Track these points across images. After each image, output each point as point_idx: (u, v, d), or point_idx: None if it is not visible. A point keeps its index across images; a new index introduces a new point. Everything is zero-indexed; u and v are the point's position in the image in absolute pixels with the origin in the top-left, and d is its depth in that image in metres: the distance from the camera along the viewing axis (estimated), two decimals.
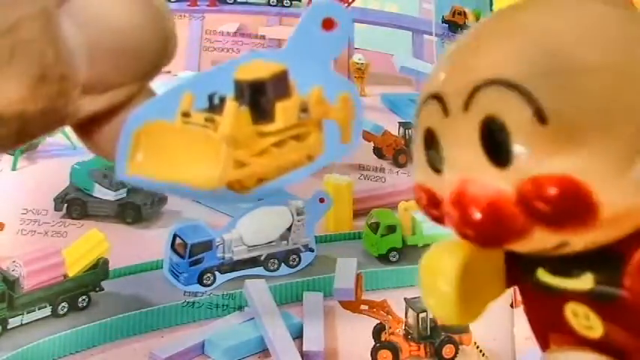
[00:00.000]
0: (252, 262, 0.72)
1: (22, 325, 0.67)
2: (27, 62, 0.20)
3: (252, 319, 0.68)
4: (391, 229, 0.74)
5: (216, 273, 0.71)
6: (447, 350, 0.67)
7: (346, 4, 0.87)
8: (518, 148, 0.18)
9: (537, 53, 0.18)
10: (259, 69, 0.25)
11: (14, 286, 0.67)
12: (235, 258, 0.72)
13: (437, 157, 0.20)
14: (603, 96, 0.17)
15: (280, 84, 0.25)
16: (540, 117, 0.17)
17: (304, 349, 0.66)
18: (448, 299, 0.21)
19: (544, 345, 0.22)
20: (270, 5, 0.92)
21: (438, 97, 0.19)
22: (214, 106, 0.25)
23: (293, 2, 0.92)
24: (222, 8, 0.91)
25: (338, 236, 0.76)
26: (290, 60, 0.25)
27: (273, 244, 0.73)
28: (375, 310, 0.69)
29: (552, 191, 0.17)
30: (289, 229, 0.73)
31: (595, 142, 0.17)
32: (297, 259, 0.73)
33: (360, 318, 0.69)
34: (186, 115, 0.25)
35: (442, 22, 0.90)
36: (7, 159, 0.76)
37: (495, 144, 0.18)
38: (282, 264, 0.73)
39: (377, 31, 0.92)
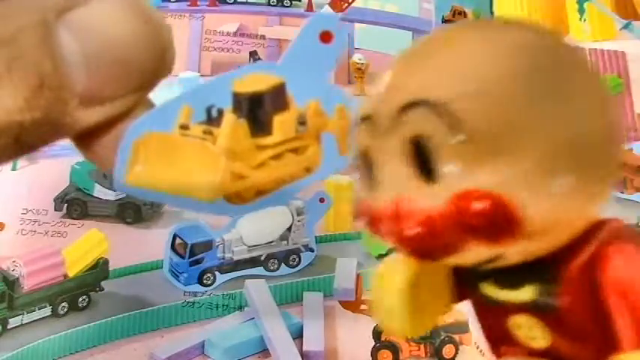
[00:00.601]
0: (252, 262, 0.72)
1: (22, 325, 0.67)
2: (25, 72, 0.20)
3: (252, 319, 0.68)
4: None
5: (217, 273, 0.71)
6: (447, 350, 0.67)
7: (346, 4, 0.87)
8: (443, 165, 0.18)
9: (458, 76, 0.19)
10: (257, 82, 0.25)
11: (14, 286, 0.67)
12: (235, 258, 0.72)
13: (372, 176, 0.20)
14: (516, 115, 0.18)
15: (278, 97, 0.26)
16: (456, 130, 0.18)
17: (304, 349, 0.66)
18: (394, 313, 0.22)
19: (497, 357, 0.22)
20: (270, 5, 0.92)
21: (368, 118, 0.20)
22: (212, 119, 0.25)
23: (293, 2, 0.92)
24: (222, 8, 0.91)
25: (338, 236, 0.76)
26: (288, 73, 0.26)
27: (273, 244, 0.73)
28: None
29: (478, 206, 0.18)
30: (289, 229, 0.73)
31: (514, 158, 0.18)
32: (297, 259, 0.73)
33: (360, 318, 0.69)
34: (184, 127, 0.25)
35: (442, 22, 0.90)
36: None
37: (423, 162, 0.19)
38: (282, 264, 0.73)
39: (377, 31, 0.92)
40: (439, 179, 0.18)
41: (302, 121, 0.26)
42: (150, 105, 0.25)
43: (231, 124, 0.25)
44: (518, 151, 0.18)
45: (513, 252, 0.19)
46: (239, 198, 0.25)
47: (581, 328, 0.19)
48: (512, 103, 0.18)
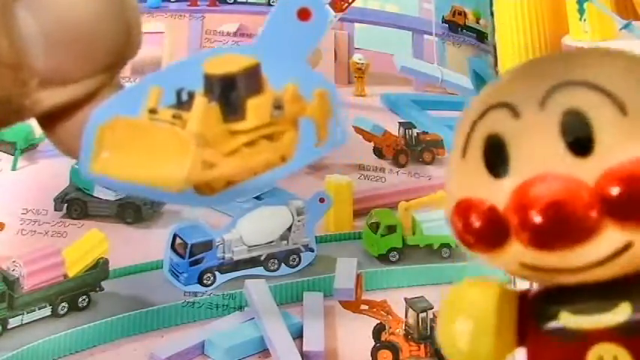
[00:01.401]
0: (252, 262, 0.72)
1: (22, 325, 0.67)
2: None
3: (252, 319, 0.68)
4: (391, 229, 0.74)
5: (217, 273, 0.71)
6: None
7: (346, 4, 0.87)
8: (601, 137, 0.18)
9: (600, 63, 0.20)
10: (230, 63, 0.24)
11: (14, 286, 0.67)
12: (235, 258, 0.72)
13: (499, 161, 0.20)
14: None
15: (252, 79, 0.24)
16: (621, 109, 0.18)
17: (304, 349, 0.66)
18: (473, 343, 0.20)
19: None
20: (270, 5, 0.92)
21: (504, 105, 0.20)
22: (182, 102, 0.24)
23: None
24: (222, 8, 0.91)
25: (338, 236, 0.76)
26: (262, 53, 0.24)
27: (273, 244, 0.73)
28: (375, 310, 0.69)
29: (635, 172, 0.18)
30: (289, 229, 0.73)
31: None
32: (297, 259, 0.73)
33: (360, 318, 0.69)
34: (153, 111, 0.23)
35: (442, 22, 0.90)
36: (7, 159, 0.76)
37: (575, 136, 0.19)
38: (282, 264, 0.73)
39: (377, 31, 0.92)
40: (593, 152, 0.18)
41: (278, 106, 0.24)
42: (118, 87, 0.24)
43: (202, 107, 0.23)
44: None
45: None
46: (209, 188, 0.24)
47: None
48: None
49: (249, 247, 0.72)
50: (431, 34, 0.89)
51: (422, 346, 0.67)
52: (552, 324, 0.20)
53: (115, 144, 0.23)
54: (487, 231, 0.19)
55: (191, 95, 0.24)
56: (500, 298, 0.20)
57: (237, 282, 0.71)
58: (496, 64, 0.86)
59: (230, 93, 0.24)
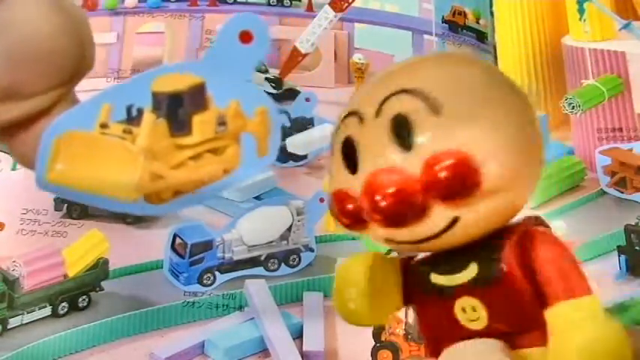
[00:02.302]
0: (252, 262, 0.72)
1: (22, 325, 0.67)
2: None
3: (252, 319, 0.68)
4: None
5: (216, 273, 0.71)
6: None
7: (346, 4, 0.87)
8: (419, 134, 0.23)
9: (426, 76, 0.24)
10: (177, 81, 0.25)
11: (14, 286, 0.67)
12: (235, 258, 0.72)
13: (352, 159, 0.24)
14: (472, 96, 0.23)
15: (197, 96, 0.26)
16: (435, 111, 0.23)
17: (304, 349, 0.66)
18: (354, 301, 0.26)
19: (436, 355, 0.25)
20: (270, 5, 0.92)
21: (354, 113, 0.24)
22: (132, 118, 0.25)
23: (293, 2, 0.92)
24: (222, 8, 0.91)
25: (338, 236, 0.76)
26: (207, 72, 0.26)
27: (273, 244, 0.73)
28: None
29: (448, 161, 0.22)
30: (289, 229, 0.73)
31: (477, 127, 0.23)
32: (297, 259, 0.73)
33: None
34: (104, 126, 0.25)
35: (442, 22, 0.90)
36: (7, 159, 0.76)
37: (402, 136, 0.23)
38: (282, 264, 0.73)
39: (377, 31, 0.92)
40: (414, 146, 0.23)
41: (222, 122, 0.26)
42: (73, 102, 0.24)
43: (150, 123, 0.25)
44: (478, 121, 0.23)
45: (468, 214, 0.23)
46: (158, 198, 0.25)
47: (515, 300, 0.23)
48: (469, 89, 0.23)
49: (249, 247, 0.72)
50: (431, 34, 0.89)
51: (422, 346, 0.67)
52: (426, 284, 0.25)
53: (69, 156, 0.25)
54: (351, 216, 0.24)
55: (140, 111, 0.25)
56: (373, 266, 0.26)
57: (237, 282, 0.71)
58: (496, 64, 0.86)
59: (177, 109, 0.25)
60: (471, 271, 0.24)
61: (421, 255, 0.25)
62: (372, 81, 0.25)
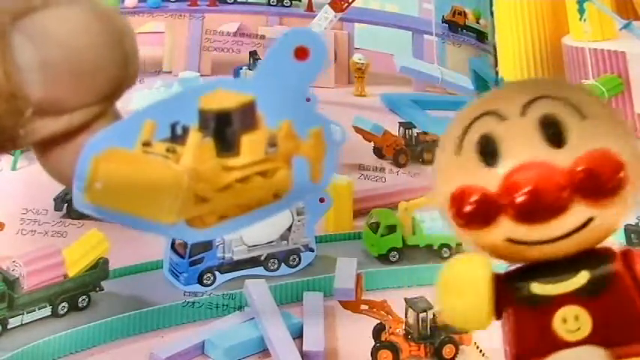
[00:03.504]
0: (252, 262, 0.72)
1: (22, 325, 0.67)
2: None
3: (252, 319, 0.68)
4: (391, 229, 0.74)
5: (216, 273, 0.71)
6: (447, 350, 0.67)
7: (346, 4, 0.87)
8: (570, 134, 0.23)
9: (569, 86, 0.26)
10: (225, 98, 0.24)
11: (14, 286, 0.67)
12: (235, 258, 0.72)
13: (491, 155, 0.24)
14: (604, 106, 0.25)
15: (247, 115, 0.24)
16: (581, 115, 0.24)
17: (304, 349, 0.66)
18: (479, 308, 0.25)
19: None
20: (270, 5, 0.92)
21: (492, 113, 0.24)
22: (177, 136, 0.24)
23: (293, 2, 0.92)
24: (222, 8, 0.91)
25: (338, 236, 0.76)
26: (258, 90, 0.24)
27: (273, 244, 0.73)
28: (375, 310, 0.69)
29: (600, 159, 0.23)
30: (289, 229, 0.73)
31: (621, 134, 0.24)
32: (297, 259, 0.73)
33: (360, 318, 0.69)
34: (147, 144, 0.23)
35: (442, 22, 0.90)
36: (7, 159, 0.76)
37: (551, 132, 0.23)
38: (282, 264, 0.73)
39: (377, 31, 0.92)
40: (565, 143, 0.23)
41: (272, 143, 0.24)
42: (115, 117, 0.23)
43: (196, 142, 0.23)
44: (616, 129, 0.24)
45: (602, 216, 0.23)
46: (201, 222, 0.24)
47: (623, 310, 0.23)
48: (599, 101, 0.25)
49: (249, 247, 0.72)
50: (431, 34, 0.89)
51: (422, 346, 0.67)
52: (524, 293, 0.24)
53: (108, 175, 0.23)
54: (481, 209, 0.24)
55: (185, 129, 0.24)
56: (488, 269, 0.25)
57: (237, 282, 0.71)
58: (496, 64, 0.86)
59: (225, 128, 0.24)
60: (581, 278, 0.24)
61: (516, 266, 0.25)
62: (503, 88, 0.27)
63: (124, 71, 0.22)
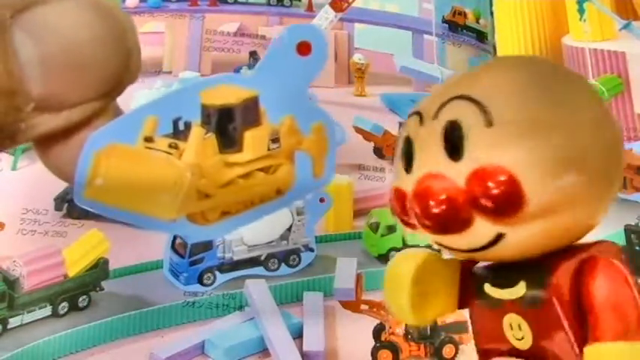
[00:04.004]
0: (253, 262, 0.72)
1: (22, 325, 0.67)
2: None
3: (252, 319, 0.68)
4: (391, 229, 0.74)
5: (217, 273, 0.71)
6: (447, 350, 0.67)
7: (346, 4, 0.87)
8: (469, 144, 0.22)
9: (489, 84, 0.23)
10: (228, 94, 0.24)
11: (14, 286, 0.67)
12: (235, 258, 0.72)
13: (409, 159, 0.24)
14: (535, 113, 0.22)
15: (250, 111, 0.24)
16: (488, 121, 0.22)
17: (304, 349, 0.66)
18: (400, 299, 0.25)
19: None
20: (270, 5, 0.92)
21: (417, 113, 0.24)
22: (179, 132, 0.23)
23: (293, 2, 0.92)
24: (222, 8, 0.91)
25: (338, 236, 0.76)
26: (261, 86, 0.24)
27: (273, 244, 0.73)
28: (375, 310, 0.69)
29: (491, 178, 0.21)
30: (289, 229, 0.73)
31: (528, 146, 0.21)
32: (297, 259, 0.73)
33: (360, 318, 0.69)
34: (149, 139, 0.23)
35: (442, 22, 0.90)
36: (7, 159, 0.76)
37: (453, 143, 0.22)
38: (282, 264, 0.73)
39: (377, 31, 0.92)
40: (463, 156, 0.22)
41: (275, 139, 0.24)
42: (116, 113, 0.23)
43: (199, 138, 0.23)
44: (535, 141, 0.21)
45: (513, 234, 0.22)
46: (203, 218, 0.24)
47: (559, 325, 0.22)
48: (533, 104, 0.22)
49: (249, 247, 0.72)
50: (431, 34, 0.89)
51: (422, 346, 0.67)
52: (481, 293, 0.24)
53: (109, 171, 0.23)
54: (402, 214, 0.23)
55: (188, 125, 0.23)
56: (425, 265, 0.25)
57: (237, 282, 0.71)
58: None
59: (227, 124, 0.24)
60: (520, 289, 0.23)
61: (482, 262, 0.25)
62: (445, 81, 0.25)
63: (125, 66, 0.22)
